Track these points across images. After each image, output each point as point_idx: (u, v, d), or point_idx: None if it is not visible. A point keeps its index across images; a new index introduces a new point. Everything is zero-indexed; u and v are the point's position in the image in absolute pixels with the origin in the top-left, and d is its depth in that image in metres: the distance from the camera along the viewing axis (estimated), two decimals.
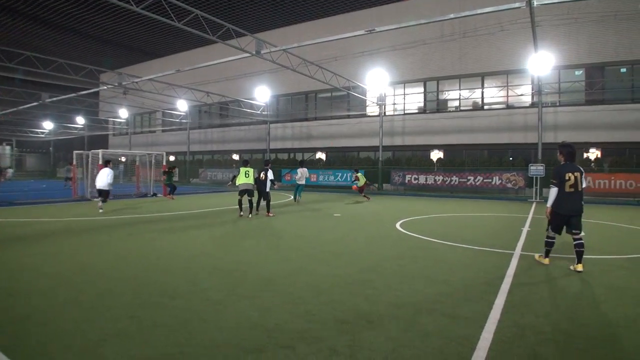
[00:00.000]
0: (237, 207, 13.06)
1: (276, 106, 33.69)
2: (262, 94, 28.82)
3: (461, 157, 25.42)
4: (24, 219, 11.88)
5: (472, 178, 22.88)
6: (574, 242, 6.20)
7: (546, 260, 6.58)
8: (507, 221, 12.31)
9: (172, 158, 38.45)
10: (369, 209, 15.53)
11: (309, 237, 9.19)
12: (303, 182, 18.39)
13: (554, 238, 6.51)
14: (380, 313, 4.27)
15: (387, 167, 26.62)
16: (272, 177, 13.45)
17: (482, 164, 24.07)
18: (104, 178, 13.88)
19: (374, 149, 27.88)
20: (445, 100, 27.33)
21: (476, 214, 14.24)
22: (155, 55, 39.01)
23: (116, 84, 24.88)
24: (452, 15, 15.82)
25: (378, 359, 3.25)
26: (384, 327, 3.88)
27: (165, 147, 37.33)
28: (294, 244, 8.24)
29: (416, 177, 24.77)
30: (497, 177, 22.23)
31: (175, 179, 17.33)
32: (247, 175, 12.85)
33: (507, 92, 24.78)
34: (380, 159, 26.75)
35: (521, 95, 24.47)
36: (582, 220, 6.36)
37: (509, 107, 24.70)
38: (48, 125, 48.56)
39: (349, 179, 27.03)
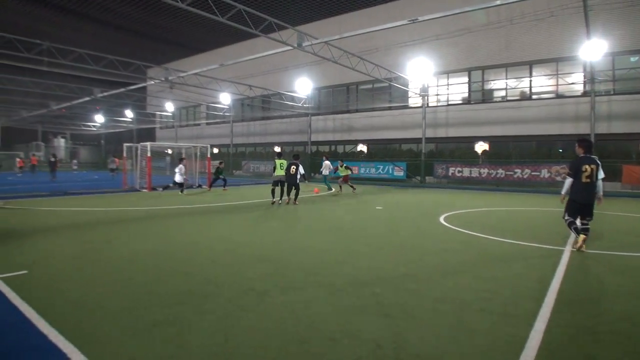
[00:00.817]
0: (272, 196, 14.26)
1: (317, 98, 33.72)
2: (303, 87, 28.92)
3: (508, 149, 24.57)
4: (78, 208, 12.49)
5: (519, 171, 22.09)
6: (582, 226, 6.85)
7: (580, 238, 6.78)
8: (557, 216, 11.78)
9: (215, 150, 39.33)
10: (412, 202, 15.33)
11: (350, 229, 9.17)
12: (327, 172, 20.83)
13: (573, 220, 7.01)
14: (424, 308, 4.21)
15: (430, 159, 26.12)
16: (303, 172, 14.73)
17: (530, 156, 23.18)
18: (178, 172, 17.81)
19: (417, 140, 27.42)
20: (491, 90, 26.44)
21: (524, 208, 13.75)
22: (199, 50, 39.86)
23: (163, 79, 25.63)
24: (498, 2, 15.24)
25: (423, 355, 3.21)
26: (429, 323, 3.83)
27: (209, 140, 38.20)
28: (335, 237, 8.24)
29: (460, 169, 24.19)
30: (545, 170, 21.35)
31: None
32: (281, 167, 14.10)
33: (557, 80, 23.67)
34: (423, 151, 26.27)
35: (572, 83, 23.32)
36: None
37: (559, 96, 23.61)
38: (99, 119, 50.92)
39: (390, 172, 26.78)
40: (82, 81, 32.42)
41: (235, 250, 6.91)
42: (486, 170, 23.17)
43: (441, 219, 10.62)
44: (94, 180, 27.72)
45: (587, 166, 6.74)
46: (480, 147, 25.73)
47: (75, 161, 48.40)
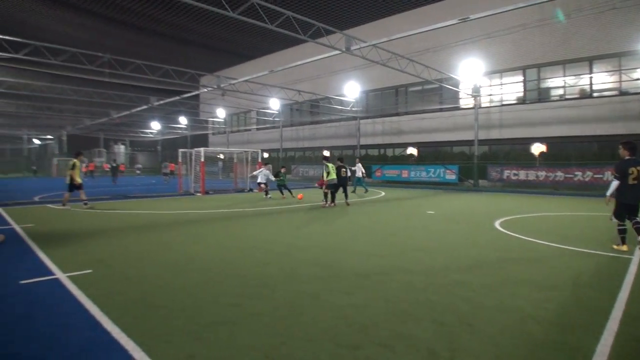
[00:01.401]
0: (325, 199, 14.53)
1: (366, 102, 33.59)
2: (351, 90, 28.91)
3: (567, 151, 23.38)
4: (138, 210, 13.09)
5: (580, 173, 20.96)
6: (634, 225, 7.11)
7: (624, 247, 7.09)
8: None
9: (265, 155, 40.04)
10: (465, 207, 14.91)
11: (402, 234, 9.03)
12: (359, 174, 20.82)
13: (623, 225, 7.24)
14: (481, 317, 4.06)
15: (483, 162, 25.32)
16: (350, 174, 15.59)
17: (591, 157, 21.94)
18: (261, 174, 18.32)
19: (469, 143, 26.67)
20: (548, 89, 25.29)
21: (586, 213, 13.01)
22: (249, 57, 40.80)
23: (215, 86, 26.42)
24: None
25: None
26: (486, 332, 3.69)
27: (259, 145, 39.00)
28: (387, 241, 8.15)
29: (515, 172, 23.27)
30: (609, 173, 20.12)
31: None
32: (333, 171, 14.36)
33: (620, 76, 22.30)
34: (476, 153, 25.48)
35: (637, 79, 21.89)
36: None
37: (622, 93, 22.21)
38: (156, 125, 53.27)
39: (442, 175, 26.20)
40: (140, 90, 34.08)
41: (287, 253, 6.99)
42: (544, 173, 22.15)
43: (497, 224, 10.26)
44: (151, 185, 28.96)
45: (633, 168, 7.01)
46: (537, 148, 24.63)
47: (139, 166, 51.76)
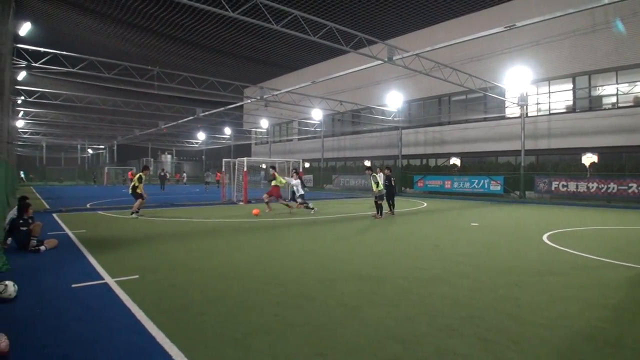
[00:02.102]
0: (377, 211, 14.14)
1: (408, 111, 33.26)
2: (393, 100, 28.73)
3: (620, 161, 22.22)
4: (183, 218, 13.46)
5: (634, 185, 19.83)
6: None
7: None
8: None
9: (307, 165, 40.33)
10: (511, 219, 14.41)
11: (445, 246, 8.81)
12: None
13: None
14: (528, 335, 3.88)
15: (530, 172, 24.42)
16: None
17: None
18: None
19: (515, 153, 25.82)
20: (600, 97, 24.17)
21: None
22: (292, 68, 41.41)
23: (258, 97, 26.97)
24: (606, 1, 13.91)
25: None
26: (533, 351, 3.51)
27: (301, 155, 39.33)
28: (429, 253, 7.97)
29: (565, 183, 22.32)
30: None
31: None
32: (381, 181, 14.29)
33: None
34: (522, 163, 24.59)
35: None
36: None
37: None
38: (201, 136, 54.93)
39: (486, 186, 25.51)
40: (187, 102, 35.31)
41: (327, 264, 6.97)
42: (595, 185, 21.12)
43: (545, 238, 9.84)
44: (196, 193, 29.75)
45: None
46: (588, 159, 23.55)
47: (184, 174, 53.96)
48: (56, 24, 27.37)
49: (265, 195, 16.74)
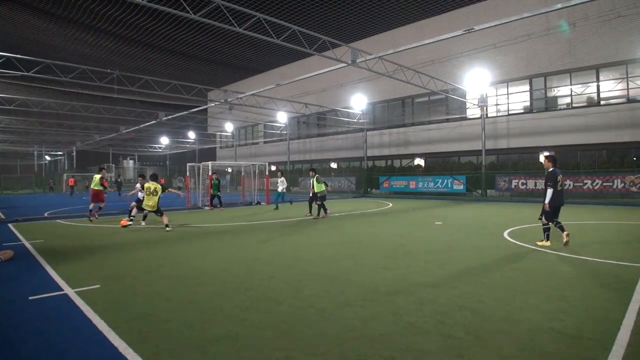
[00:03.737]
0: (318, 211, 15.12)
1: (372, 113, 33.68)
2: (358, 102, 29.00)
3: (575, 159, 23.24)
4: (144, 225, 13.13)
5: (589, 182, 20.78)
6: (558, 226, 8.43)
7: (548, 243, 8.38)
8: (634, 230, 10.97)
9: (273, 168, 40.17)
10: (473, 217, 14.81)
11: (410, 245, 8.95)
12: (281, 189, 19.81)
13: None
14: (490, 329, 4.00)
15: (491, 171, 25.19)
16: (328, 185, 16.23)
17: (600, 165, 21.77)
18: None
19: (476, 153, 26.58)
20: (555, 98, 25.22)
21: (595, 221, 12.88)
22: (256, 71, 41.20)
23: (222, 101, 26.65)
24: (559, 5, 14.50)
25: None
26: (495, 345, 3.62)
27: (267, 158, 39.16)
28: (395, 253, 8.09)
29: (524, 181, 23.13)
30: (618, 180, 19.94)
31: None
32: (318, 182, 15.16)
33: (628, 84, 22.18)
34: (484, 163, 25.37)
35: None
36: None
37: (630, 100, 22.08)
38: (164, 140, 53.77)
39: (449, 185, 26.09)
40: (149, 106, 34.51)
41: (293, 265, 6.96)
42: None
43: (506, 234, 10.17)
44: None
45: (560, 177, 8.25)
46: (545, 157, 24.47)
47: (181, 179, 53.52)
48: (10, 26, 26.27)
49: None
